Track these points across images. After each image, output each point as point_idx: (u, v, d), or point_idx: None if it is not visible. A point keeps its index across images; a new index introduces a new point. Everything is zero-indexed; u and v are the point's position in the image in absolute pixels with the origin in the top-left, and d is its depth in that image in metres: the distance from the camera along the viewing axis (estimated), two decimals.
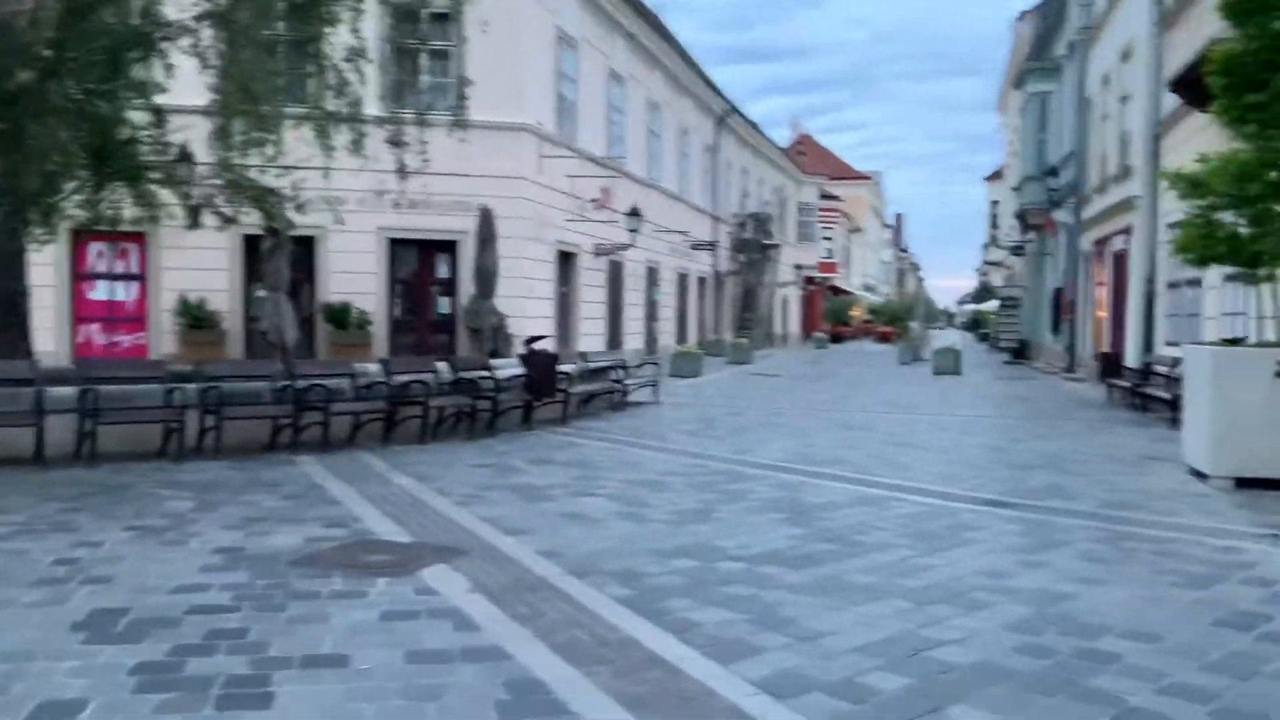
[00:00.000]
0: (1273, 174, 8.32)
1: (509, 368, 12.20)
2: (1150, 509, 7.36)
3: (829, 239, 61.74)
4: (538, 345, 12.81)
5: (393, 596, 4.88)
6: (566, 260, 22.39)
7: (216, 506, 7.02)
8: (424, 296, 20.27)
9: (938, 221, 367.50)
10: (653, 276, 28.44)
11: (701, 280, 34.36)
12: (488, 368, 11.78)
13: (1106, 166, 20.87)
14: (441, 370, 11.35)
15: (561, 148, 21.18)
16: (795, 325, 53.58)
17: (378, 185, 19.39)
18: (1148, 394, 14.38)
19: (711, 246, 33.44)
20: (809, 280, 57.02)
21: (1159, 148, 17.30)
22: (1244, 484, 8.10)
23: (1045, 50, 30.28)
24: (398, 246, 19.84)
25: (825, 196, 58.95)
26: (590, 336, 23.33)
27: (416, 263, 20.36)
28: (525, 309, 19.94)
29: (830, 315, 63.13)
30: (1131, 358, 17.89)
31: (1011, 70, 39.48)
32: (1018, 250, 38.83)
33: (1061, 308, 26.98)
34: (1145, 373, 15.93)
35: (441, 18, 19.58)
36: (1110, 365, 17.92)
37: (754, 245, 38.95)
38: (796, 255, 51.21)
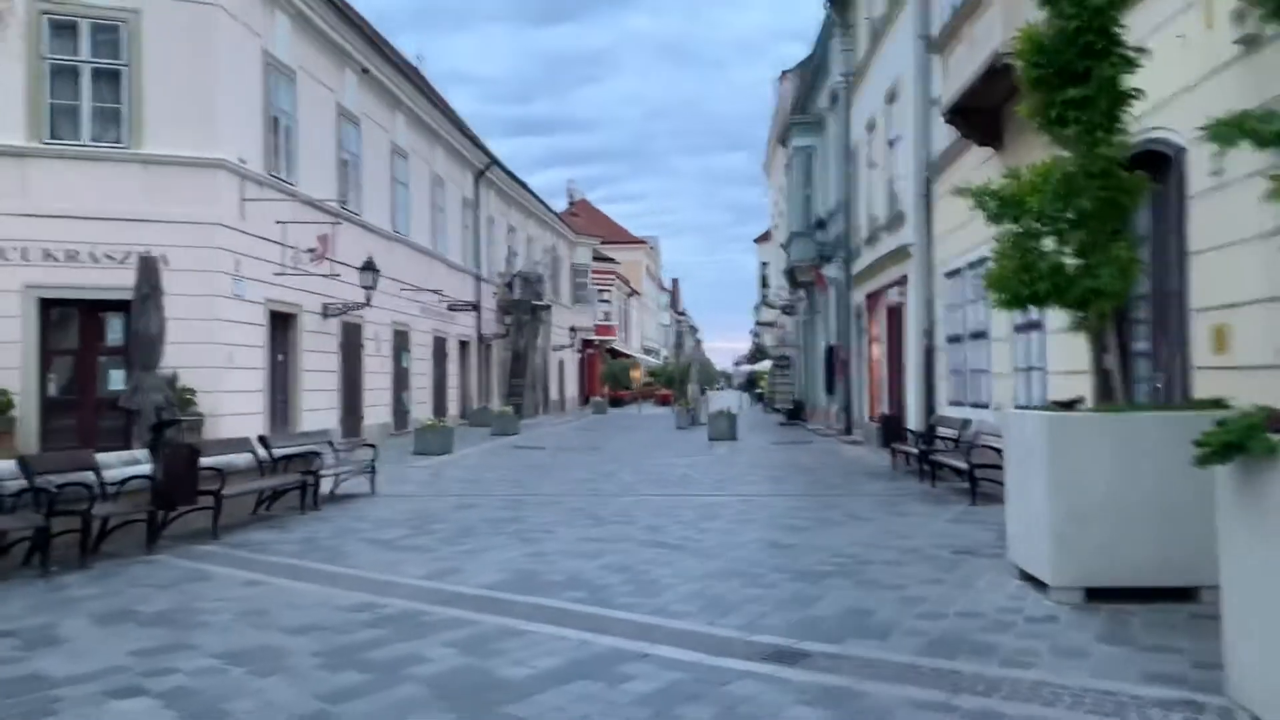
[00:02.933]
0: (1101, 188, 6.49)
1: (129, 465, 8.82)
2: (993, 655, 5.09)
3: (606, 301, 60.35)
4: (179, 434, 9.51)
5: None
6: (284, 322, 18.89)
7: None
8: (88, 369, 16.25)
9: (714, 286, 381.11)
10: (402, 341, 25.21)
11: (463, 344, 31.37)
12: (91, 467, 8.36)
13: (876, 216, 19.78)
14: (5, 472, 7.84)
15: (270, 189, 17.85)
16: (573, 389, 51.33)
17: (24, 233, 15.51)
18: (938, 461, 12.69)
19: (473, 307, 30.58)
20: (586, 343, 55.17)
21: (931, 191, 16.12)
22: (1095, 595, 6.06)
23: (808, 105, 29.77)
24: (52, 308, 15.83)
25: (601, 259, 57.61)
26: (318, 412, 19.82)
27: (79, 328, 16.35)
28: (223, 382, 16.34)
29: (609, 378, 61.47)
30: (914, 419, 16.44)
31: (776, 130, 39.35)
32: (789, 309, 38.32)
33: (835, 366, 25.92)
34: (930, 436, 14.38)
35: (110, 30, 16.08)
36: (892, 428, 16.40)
37: (523, 306, 36.42)
38: (572, 318, 49.22)
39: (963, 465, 11.29)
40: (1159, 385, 8.84)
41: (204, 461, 9.40)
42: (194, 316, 15.95)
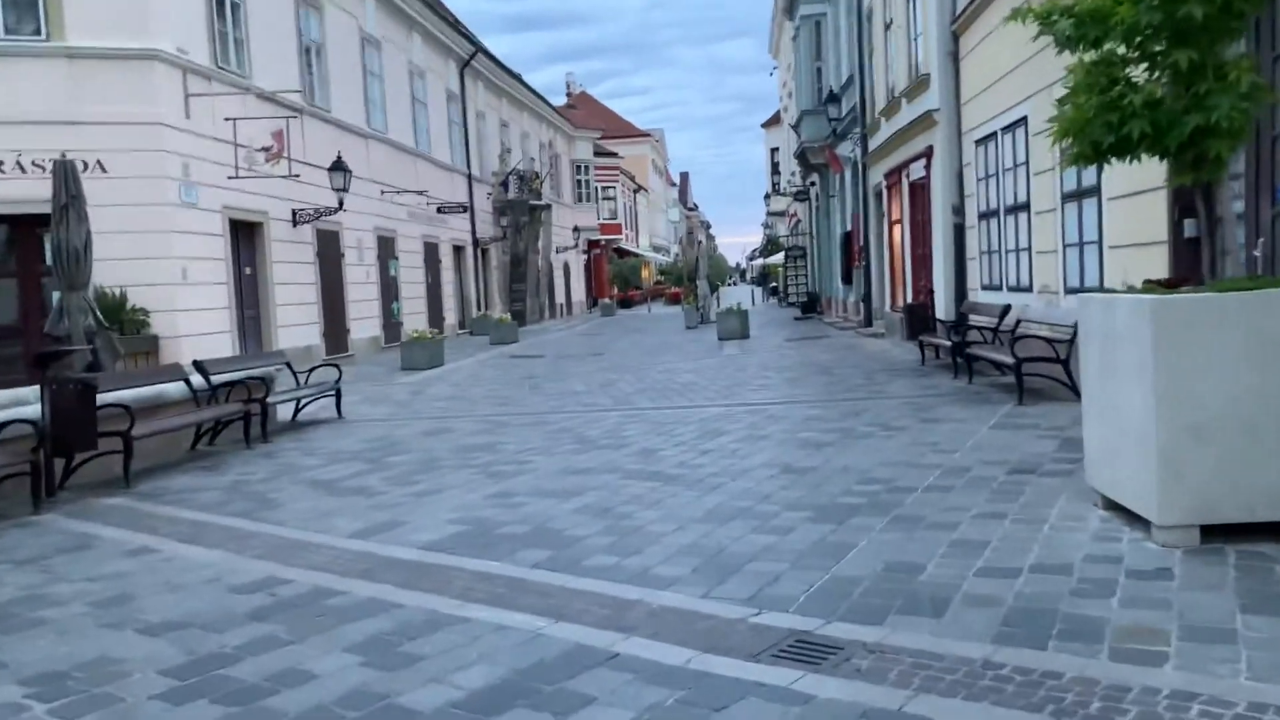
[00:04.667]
0: None
1: (15, 405, 7.39)
2: (1098, 639, 3.62)
3: (611, 199, 58.09)
4: (69, 369, 8.05)
5: None
6: (248, 232, 17.31)
7: None
8: (30, 293, 14.80)
9: (724, 179, 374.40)
10: (388, 248, 23.59)
11: (458, 249, 29.70)
12: None
13: (895, 84, 17.77)
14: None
15: (219, 83, 16.03)
16: (580, 292, 49.72)
17: None
18: (975, 355, 11.13)
19: (464, 209, 28.79)
20: (592, 243, 53.26)
21: (958, 48, 14.16)
22: (1213, 534, 4.58)
23: None
24: None
25: (604, 154, 55.21)
26: (296, 328, 18.42)
27: (14, 248, 14.85)
28: (180, 300, 14.89)
29: (617, 279, 59.75)
30: (943, 307, 14.83)
31: (781, 1, 36.64)
32: (801, 195, 36.32)
33: (852, 253, 24.17)
34: (963, 325, 12.80)
35: None
36: (919, 318, 14.79)
37: (520, 206, 34.54)
38: (574, 217, 47.31)
39: (1007, 359, 9.73)
40: (1257, 254, 7.22)
41: (116, 396, 7.97)
42: (140, 229, 14.44)
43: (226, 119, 15.75)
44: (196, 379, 9.65)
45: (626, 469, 7.44)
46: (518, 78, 37.07)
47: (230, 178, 15.75)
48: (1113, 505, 5.24)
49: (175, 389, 9.45)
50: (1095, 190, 9.51)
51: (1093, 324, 5.29)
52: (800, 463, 7.30)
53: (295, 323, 18.42)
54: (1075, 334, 9.39)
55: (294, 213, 18.51)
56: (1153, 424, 4.58)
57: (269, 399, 9.99)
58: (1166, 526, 4.61)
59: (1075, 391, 9.33)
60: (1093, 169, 9.46)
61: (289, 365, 11.59)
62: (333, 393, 11.41)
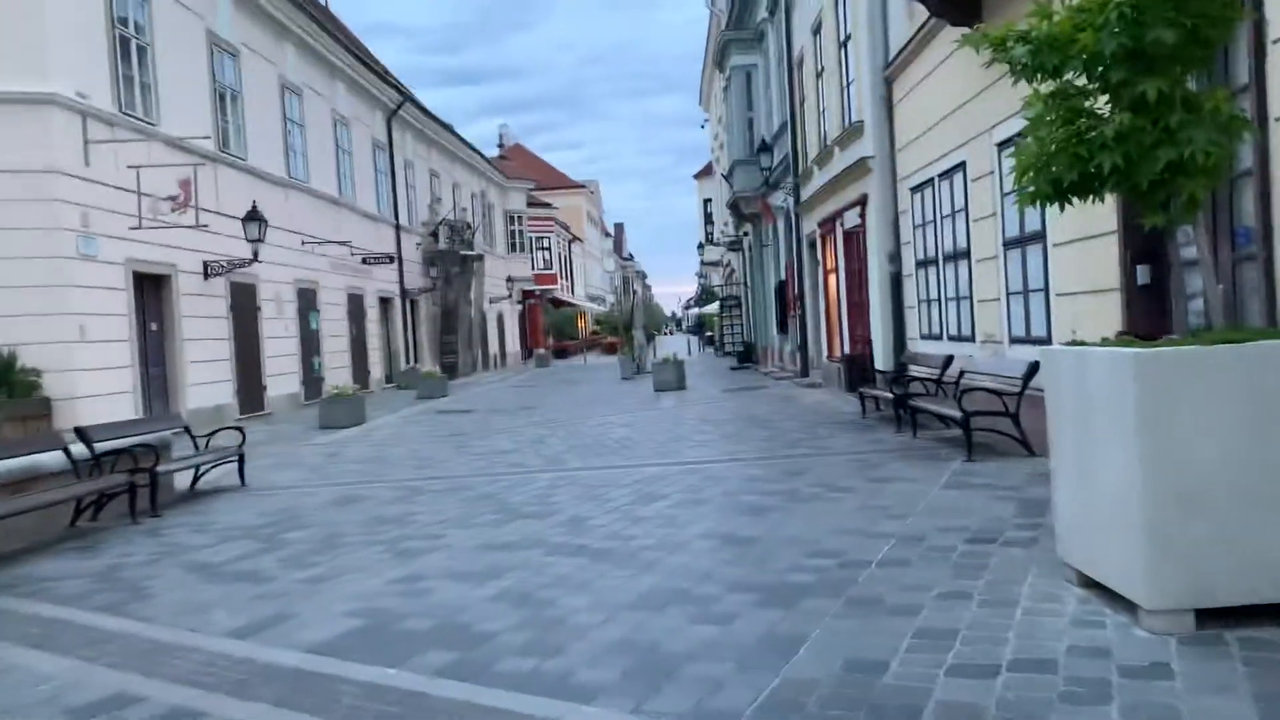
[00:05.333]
0: (1178, 13, 4.36)
1: None
2: None
3: (545, 249, 57.62)
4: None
5: None
6: (154, 285, 16.32)
7: None
8: None
9: (659, 230, 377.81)
10: (309, 300, 22.64)
11: (385, 300, 28.80)
12: None
13: (827, 132, 17.58)
14: None
15: (122, 129, 15.16)
16: (515, 343, 48.89)
17: None
18: (921, 408, 10.68)
19: (391, 260, 27.95)
20: (527, 293, 52.61)
21: (891, 94, 13.96)
22: (1208, 617, 4.05)
23: (745, 20, 27.32)
24: None
25: (538, 205, 54.82)
26: (207, 386, 17.37)
27: None
28: (76, 359, 13.86)
29: (553, 329, 59.07)
30: (882, 358, 14.45)
31: (712, 52, 36.80)
32: (735, 245, 36.23)
33: (787, 304, 23.90)
34: (903, 377, 12.41)
35: None
36: (858, 369, 14.40)
37: (451, 257, 33.81)
38: (508, 267, 46.68)
39: (954, 413, 9.27)
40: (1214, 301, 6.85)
41: None
42: (33, 283, 13.47)
43: (130, 166, 14.83)
44: (78, 447, 8.72)
45: (552, 543, 6.74)
46: (448, 128, 36.53)
47: (133, 228, 14.79)
48: (1090, 583, 4.70)
49: (53, 459, 8.51)
50: (1040, 236, 9.18)
51: (1063, 380, 4.78)
52: (743, 531, 6.67)
53: (206, 380, 17.38)
54: (1024, 386, 9.00)
55: (205, 265, 17.56)
56: (1137, 493, 4.06)
57: (159, 468, 9.06)
58: (1156, 611, 4.07)
59: (1026, 446, 8.90)
60: (1036, 215, 9.16)
61: (187, 429, 10.68)
62: (235, 458, 10.51)
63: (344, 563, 6.55)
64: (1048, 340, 9.15)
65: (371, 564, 6.45)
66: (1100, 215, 7.47)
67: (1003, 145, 10.00)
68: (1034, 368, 8.86)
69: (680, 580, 5.52)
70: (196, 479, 10.47)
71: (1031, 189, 4.96)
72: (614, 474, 9.82)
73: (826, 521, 6.80)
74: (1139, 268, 7.56)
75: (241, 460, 10.62)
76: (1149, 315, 7.61)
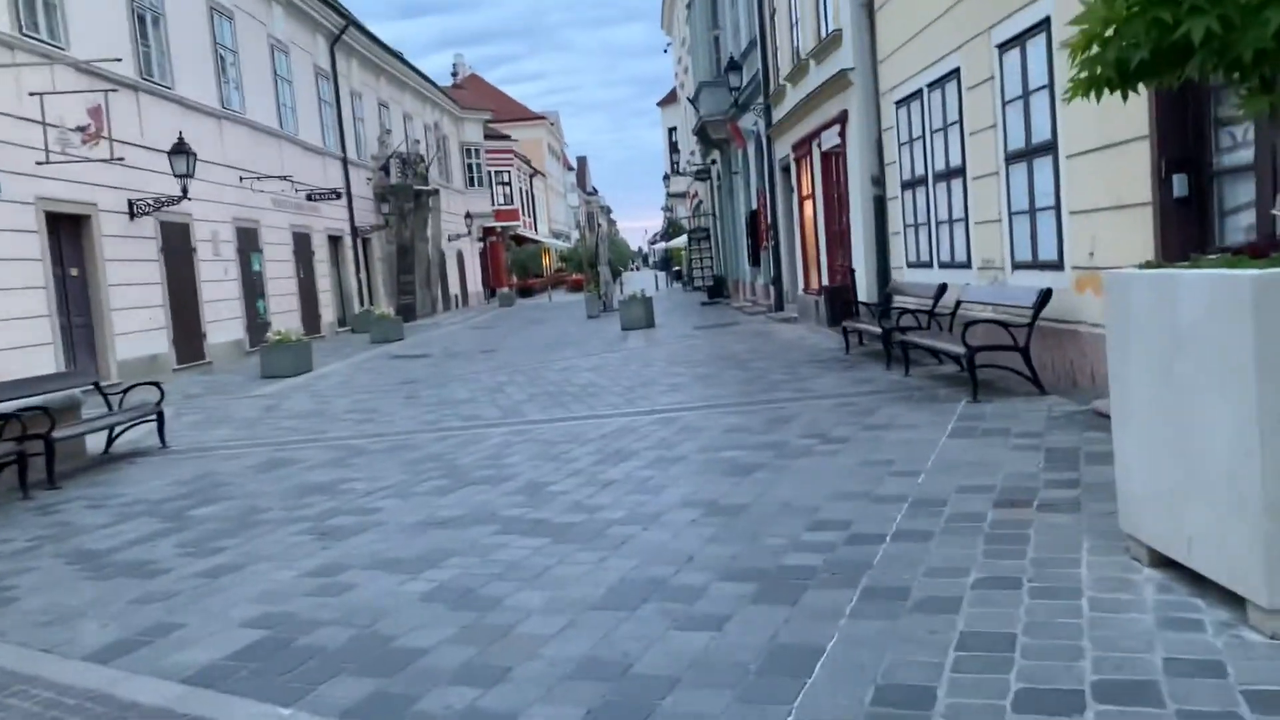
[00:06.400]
0: None
1: None
2: None
3: (506, 184, 55.78)
4: None
5: None
6: (71, 226, 14.91)
7: None
8: None
9: (623, 164, 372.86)
10: (250, 240, 21.20)
11: (334, 239, 27.33)
12: None
13: (802, 45, 16.32)
14: None
15: (22, 52, 13.62)
16: (476, 282, 47.46)
17: None
18: (915, 343, 9.71)
19: (338, 195, 26.43)
20: (488, 230, 50.98)
21: (872, 1, 12.75)
22: None
23: None
24: None
25: (496, 137, 52.89)
26: (138, 336, 16.07)
27: None
28: None
29: (516, 267, 57.64)
30: (865, 290, 13.45)
31: None
32: (702, 175, 34.92)
33: (759, 234, 22.79)
34: (889, 309, 11.46)
35: None
36: (841, 301, 13.40)
37: (404, 192, 32.23)
38: (467, 203, 45.01)
39: (956, 349, 8.30)
40: (1276, 213, 5.89)
41: None
42: None
43: (32, 94, 13.33)
44: None
45: (504, 516, 5.72)
46: (397, 55, 34.65)
47: (39, 163, 13.34)
48: (1164, 561, 3.77)
49: None
50: (1049, 147, 8.14)
51: (1135, 311, 3.77)
52: (729, 498, 5.69)
53: (137, 329, 16.05)
54: (1034, 316, 8.05)
55: (131, 203, 16.11)
56: (1256, 460, 3.09)
57: (56, 433, 7.91)
58: (1277, 611, 3.13)
59: (1037, 384, 7.99)
60: (1047, 120, 8.12)
61: (97, 385, 9.50)
62: (153, 417, 9.36)
63: (255, 548, 5.50)
64: (1059, 265, 8.18)
65: (287, 549, 5.40)
66: (1127, 117, 6.45)
67: (1004, 46, 8.92)
68: (1046, 295, 7.93)
69: (657, 566, 4.53)
70: (111, 441, 9.34)
71: (1085, 74, 3.91)
72: (579, 426, 8.80)
73: (824, 482, 5.82)
74: (1175, 177, 6.55)
75: (161, 418, 9.48)
76: (1184, 232, 6.64)
